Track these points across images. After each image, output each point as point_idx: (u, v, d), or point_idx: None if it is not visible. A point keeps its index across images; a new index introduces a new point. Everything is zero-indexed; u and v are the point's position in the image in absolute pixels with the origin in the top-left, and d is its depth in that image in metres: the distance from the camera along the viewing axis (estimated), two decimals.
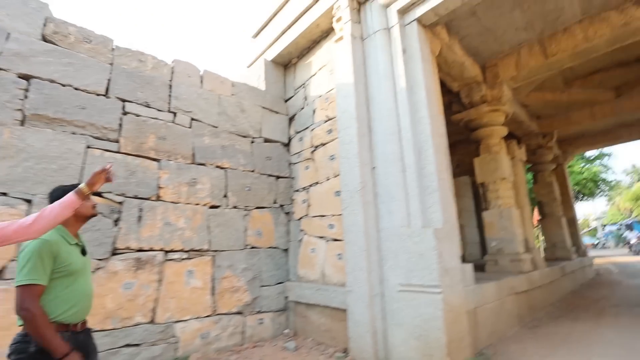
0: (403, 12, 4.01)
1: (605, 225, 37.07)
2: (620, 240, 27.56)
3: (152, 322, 3.58)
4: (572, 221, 9.97)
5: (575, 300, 6.53)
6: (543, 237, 9.05)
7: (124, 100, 3.99)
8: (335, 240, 4.16)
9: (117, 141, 3.80)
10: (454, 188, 10.99)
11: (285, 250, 5.05)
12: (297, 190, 5.13)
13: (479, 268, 5.84)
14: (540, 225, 9.70)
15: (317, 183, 4.72)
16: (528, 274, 5.19)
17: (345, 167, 3.84)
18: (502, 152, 5.88)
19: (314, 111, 4.99)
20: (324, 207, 4.50)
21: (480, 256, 12.17)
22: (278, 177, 5.23)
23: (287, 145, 5.48)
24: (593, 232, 35.64)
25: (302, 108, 5.28)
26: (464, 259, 10.63)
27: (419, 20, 3.96)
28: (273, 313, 4.66)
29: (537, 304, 5.41)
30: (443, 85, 6.26)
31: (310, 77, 5.23)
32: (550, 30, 5.37)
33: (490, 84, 5.98)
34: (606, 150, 17.59)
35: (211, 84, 4.92)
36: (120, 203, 3.66)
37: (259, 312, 4.50)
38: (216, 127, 4.73)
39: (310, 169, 4.90)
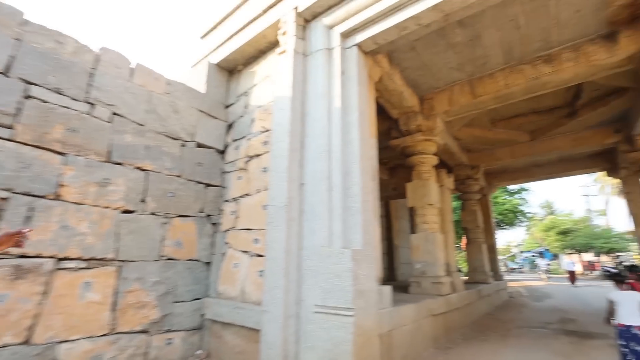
0: (345, 35, 4.12)
1: (522, 252, 41.46)
2: (533, 266, 30.97)
3: (26, 342, 3.05)
4: (492, 247, 10.92)
5: (487, 322, 7.04)
6: (467, 262, 9.76)
7: (28, 83, 3.50)
8: (259, 255, 3.99)
9: (11, 127, 3.29)
10: (394, 210, 11.46)
11: (208, 263, 4.74)
12: (227, 201, 4.89)
13: (404, 290, 6.05)
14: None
15: (247, 195, 4.54)
16: (446, 297, 5.47)
17: (274, 181, 3.74)
18: (432, 179, 6.26)
19: (252, 121, 4.86)
20: (252, 221, 4.32)
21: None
22: (208, 185, 4.95)
23: (222, 152, 5.24)
24: (512, 258, 39.53)
25: (242, 116, 5.12)
26: (395, 279, 11.01)
27: (359, 45, 4.09)
28: (185, 332, 4.29)
29: (453, 326, 5.72)
30: (384, 111, 6.59)
31: (253, 86, 5.12)
32: (479, 74, 5.95)
33: (426, 115, 6.40)
34: (525, 185, 19.86)
35: (143, 79, 4.56)
36: (4, 199, 3.13)
37: (168, 330, 4.10)
38: (142, 125, 4.36)
39: (242, 179, 4.71)
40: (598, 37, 4.99)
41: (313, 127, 3.83)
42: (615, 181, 29.14)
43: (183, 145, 4.77)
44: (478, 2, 3.44)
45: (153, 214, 4.24)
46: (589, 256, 24.73)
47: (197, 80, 5.57)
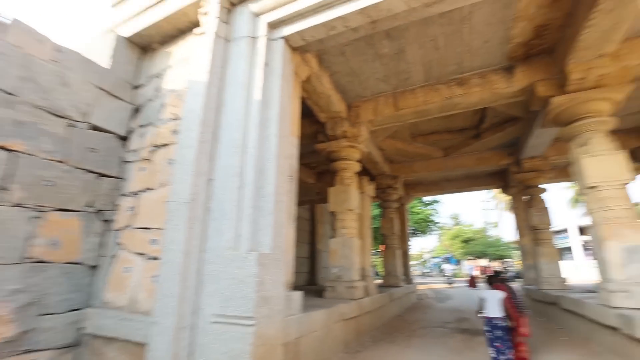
0: (273, 26, 3.91)
1: (433, 258, 45.98)
2: (441, 271, 34.52)
3: None
4: (405, 253, 11.73)
5: (397, 323, 7.42)
6: (382, 266, 10.28)
7: None
8: (155, 258, 3.48)
9: None
10: (319, 214, 11.50)
11: (94, 267, 4.01)
12: (124, 195, 4.23)
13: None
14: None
15: (150, 189, 3.97)
16: (359, 301, 5.57)
17: (178, 174, 3.31)
18: (353, 185, 6.38)
19: (163, 106, 4.30)
20: (152, 218, 3.78)
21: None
22: (102, 176, 4.22)
23: (124, 139, 4.54)
24: (424, 263, 43.48)
25: (152, 100, 4.51)
26: (315, 283, 11.02)
27: (286, 39, 3.92)
28: (54, 351, 3.52)
29: (364, 329, 5.84)
30: (313, 114, 6.55)
31: (168, 67, 4.56)
32: (402, 88, 6.29)
33: (352, 122, 6.53)
34: (437, 197, 22.03)
35: (20, 39, 3.69)
36: None
37: (28, 351, 3.31)
38: (13, 94, 3.51)
39: (146, 171, 4.12)
40: (500, 68, 5.67)
41: (229, 118, 3.51)
42: (507, 198, 34.33)
43: (71, 126, 3.98)
44: (403, 14, 3.55)
45: (19, 205, 3.42)
46: (483, 262, 28.49)
47: (101, 53, 4.77)
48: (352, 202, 6.13)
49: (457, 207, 78.47)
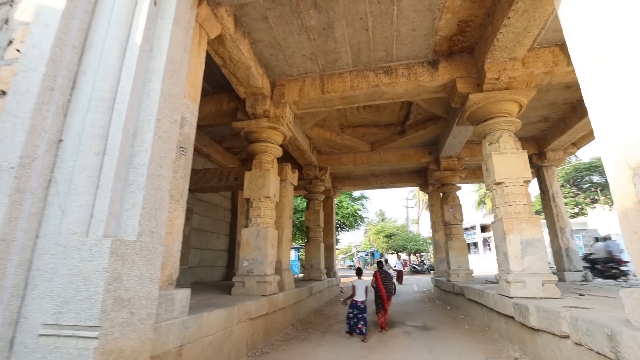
0: None
1: (359, 252, 48.13)
2: (367, 263, 36.19)
3: None
4: (329, 246, 11.62)
5: (314, 319, 7.11)
6: (305, 259, 9.97)
7: None
8: None
9: None
10: (241, 204, 10.64)
11: None
12: None
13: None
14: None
15: None
16: (270, 297, 5.06)
17: (7, 129, 2.35)
18: (273, 170, 5.83)
19: (11, 42, 3.16)
20: None
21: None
22: None
23: None
24: (351, 257, 45.20)
25: None
26: (229, 277, 10.14)
27: None
28: None
29: (276, 327, 5.36)
30: (233, 89, 5.79)
31: None
32: (330, 70, 5.91)
33: (276, 102, 5.95)
34: (365, 193, 22.74)
35: None
36: None
37: None
38: None
39: None
40: (425, 61, 5.65)
41: (95, 63, 2.64)
42: (426, 197, 37.44)
43: None
44: None
45: None
46: (403, 256, 30.57)
47: None
48: (270, 188, 5.57)
49: (383, 203, 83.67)
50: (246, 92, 5.65)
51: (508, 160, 4.85)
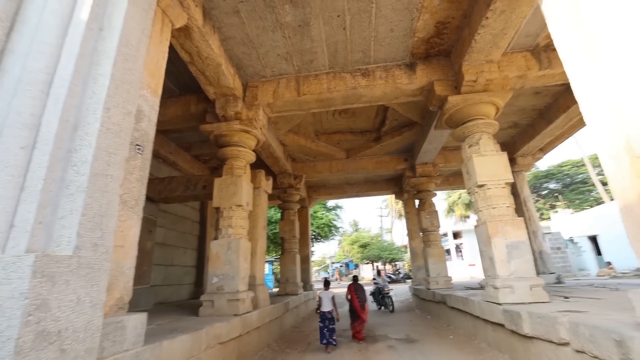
0: None
1: (334, 263, 47.68)
2: (342, 274, 35.80)
3: None
4: (305, 258, 11.18)
5: (291, 336, 6.61)
6: (280, 273, 9.45)
7: None
8: None
9: None
10: (211, 215, 9.97)
11: None
12: None
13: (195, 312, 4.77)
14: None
15: None
16: (244, 316, 4.56)
17: None
18: (245, 177, 5.40)
19: None
20: None
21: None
22: None
23: None
24: (326, 268, 44.62)
25: None
26: (197, 296, 9.42)
27: None
28: None
29: (250, 350, 4.83)
30: (201, 91, 5.36)
31: None
32: (305, 72, 5.65)
33: (248, 104, 5.58)
34: (340, 203, 22.57)
35: None
36: None
37: None
38: None
39: None
40: (403, 64, 5.55)
41: (28, 40, 2.17)
42: (399, 206, 37.97)
43: None
44: None
45: None
46: (378, 265, 30.52)
47: None
48: (243, 196, 5.12)
49: (356, 213, 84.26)
50: (216, 92, 5.23)
51: (489, 162, 4.78)
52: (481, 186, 4.75)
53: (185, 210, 9.31)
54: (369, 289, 16.75)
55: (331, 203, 23.07)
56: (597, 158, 27.57)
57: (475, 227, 4.96)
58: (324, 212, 20.95)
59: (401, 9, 4.50)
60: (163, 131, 7.26)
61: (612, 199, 24.96)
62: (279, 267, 10.10)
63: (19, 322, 1.54)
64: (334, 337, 5.28)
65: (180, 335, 3.07)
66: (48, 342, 1.66)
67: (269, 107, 5.80)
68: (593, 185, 26.56)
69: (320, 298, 5.61)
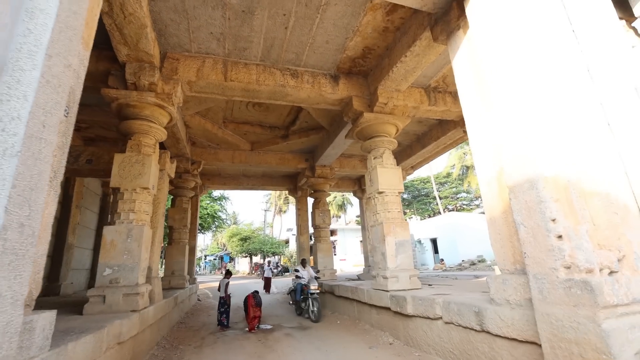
0: None
1: (207, 256, 45.28)
2: (215, 268, 34.32)
3: None
4: (192, 249, 10.45)
5: (181, 333, 6.16)
6: (164, 264, 8.56)
7: None
8: None
9: None
10: (78, 194, 8.27)
11: None
12: None
13: (80, 310, 4.00)
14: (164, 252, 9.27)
15: None
16: (142, 312, 4.07)
17: None
18: (155, 157, 4.80)
19: None
20: None
21: (86, 288, 9.67)
22: None
23: None
24: (199, 261, 41.98)
25: None
26: (58, 293, 7.80)
27: None
28: None
29: (143, 349, 4.32)
30: (107, 47, 4.47)
31: None
32: (236, 58, 5.44)
33: (166, 76, 4.98)
34: (226, 194, 21.75)
35: None
36: None
37: None
38: None
39: None
40: (328, 74, 6.01)
41: None
42: (280, 202, 39.10)
43: None
44: None
45: None
46: (256, 259, 30.74)
47: None
48: (150, 178, 4.54)
49: (238, 205, 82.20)
50: (130, 55, 4.47)
51: (388, 173, 5.71)
52: (381, 192, 5.63)
53: None
54: (283, 284, 15.90)
55: (216, 193, 22.02)
56: (437, 177, 35.30)
57: (371, 227, 5.84)
58: (208, 202, 19.80)
59: (340, 27, 4.92)
60: None
61: (444, 211, 32.36)
62: (164, 257, 9.14)
63: None
64: (225, 319, 6.43)
65: (84, 337, 2.61)
66: None
67: (188, 85, 5.30)
68: (434, 198, 33.81)
69: (220, 285, 6.87)
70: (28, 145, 1.62)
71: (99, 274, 4.03)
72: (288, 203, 38.34)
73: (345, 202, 37.98)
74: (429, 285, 5.79)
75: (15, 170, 1.54)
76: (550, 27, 2.90)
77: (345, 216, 39.83)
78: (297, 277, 7.90)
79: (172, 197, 9.25)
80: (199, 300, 11.17)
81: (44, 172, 1.78)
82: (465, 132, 7.70)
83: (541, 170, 2.51)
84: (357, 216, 39.17)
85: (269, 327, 6.35)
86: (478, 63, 3.43)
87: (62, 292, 7.52)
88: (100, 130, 8.02)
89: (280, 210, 40.61)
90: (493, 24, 3.10)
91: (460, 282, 6.08)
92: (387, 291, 4.99)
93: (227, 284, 6.85)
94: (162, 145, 7.59)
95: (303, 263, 8.04)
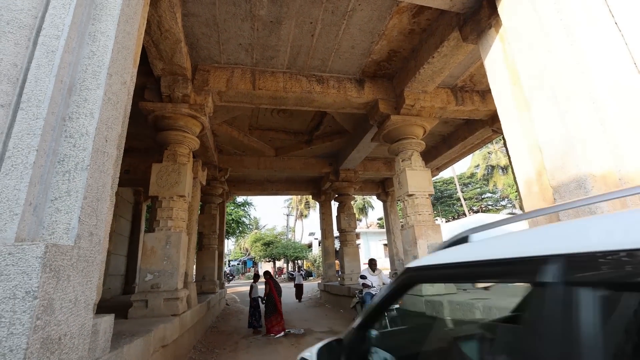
0: None
1: (231, 261, 46.08)
2: (239, 272, 34.90)
3: None
4: (220, 255, 10.69)
5: (214, 337, 6.30)
6: (195, 270, 8.81)
7: None
8: None
9: None
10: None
11: None
12: None
13: (121, 314, 4.17)
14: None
15: None
16: (181, 316, 4.21)
17: None
18: (189, 165, 4.98)
19: None
20: None
21: (121, 293, 10.07)
22: None
23: None
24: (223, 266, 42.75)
25: None
26: (131, 292, 8.12)
27: None
28: None
29: (182, 353, 4.46)
30: (141, 62, 4.70)
31: None
32: (263, 67, 5.57)
33: (198, 87, 5.17)
34: (250, 199, 22.11)
35: None
36: None
37: None
38: None
39: None
40: (353, 79, 6.03)
41: None
42: (302, 206, 39.27)
43: None
44: None
45: None
46: (279, 263, 30.98)
47: None
48: (186, 186, 4.71)
49: (259, 211, 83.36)
50: (164, 69, 4.68)
51: (418, 175, 5.64)
52: (411, 195, 5.56)
53: (119, 189, 7.78)
54: (307, 288, 15.50)
55: (240, 199, 22.43)
56: (461, 177, 34.37)
57: (402, 230, 5.76)
58: (232, 207, 20.20)
59: (366, 31, 4.94)
60: None
61: (469, 212, 31.42)
62: (195, 263, 9.37)
63: (27, 327, 1.25)
64: (256, 321, 6.63)
65: (136, 339, 2.73)
66: (50, 351, 1.38)
67: (218, 95, 5.48)
68: (458, 199, 32.94)
69: (251, 288, 7.30)
70: (95, 159, 1.73)
71: (141, 279, 4.20)
72: (309, 207, 38.47)
73: (366, 205, 37.68)
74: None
75: (85, 183, 1.64)
76: (589, 24, 2.79)
77: (366, 219, 39.50)
78: (364, 285, 5.72)
79: (201, 204, 9.51)
80: (227, 305, 11.38)
81: (107, 183, 1.89)
82: (494, 130, 7.50)
83: (589, 168, 2.41)
84: (379, 219, 38.78)
85: (301, 331, 6.38)
86: (513, 62, 3.35)
87: (101, 297, 7.87)
88: (133, 141, 8.38)
89: (302, 215, 40.78)
90: (530, 21, 3.02)
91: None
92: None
93: (253, 287, 7.33)
94: (193, 154, 7.86)
95: (372, 265, 5.99)
